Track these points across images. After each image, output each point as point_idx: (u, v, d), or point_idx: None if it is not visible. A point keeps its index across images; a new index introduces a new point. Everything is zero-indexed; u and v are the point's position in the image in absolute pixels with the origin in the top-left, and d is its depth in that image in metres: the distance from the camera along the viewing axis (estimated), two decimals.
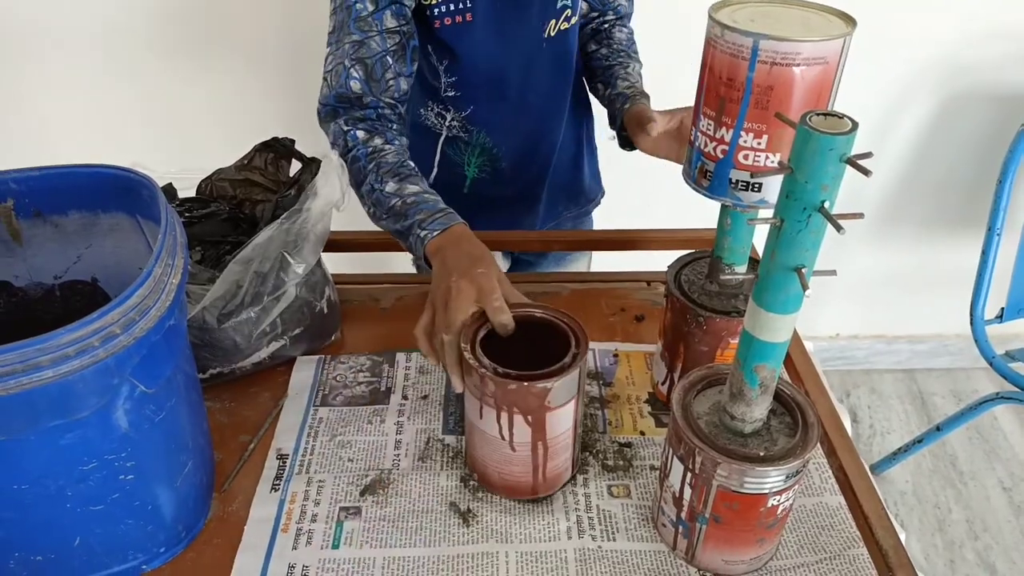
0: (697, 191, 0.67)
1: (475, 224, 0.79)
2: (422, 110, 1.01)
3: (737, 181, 0.64)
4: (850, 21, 0.61)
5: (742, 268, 0.73)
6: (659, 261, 0.97)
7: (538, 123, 1.03)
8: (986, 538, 1.62)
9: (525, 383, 0.61)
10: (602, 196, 1.20)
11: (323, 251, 0.83)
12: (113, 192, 0.67)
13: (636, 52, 1.08)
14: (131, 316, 0.52)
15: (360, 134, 0.85)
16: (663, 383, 0.78)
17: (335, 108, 0.87)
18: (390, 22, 0.84)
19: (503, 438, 0.64)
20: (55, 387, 0.49)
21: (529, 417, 0.63)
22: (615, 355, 0.86)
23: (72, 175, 0.66)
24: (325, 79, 0.87)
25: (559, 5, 0.94)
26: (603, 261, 1.00)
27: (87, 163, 0.66)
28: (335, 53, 0.86)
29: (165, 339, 0.57)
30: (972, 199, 1.73)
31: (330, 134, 0.88)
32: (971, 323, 1.44)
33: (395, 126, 0.88)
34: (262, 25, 1.44)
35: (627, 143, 0.99)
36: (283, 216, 0.77)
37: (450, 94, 0.96)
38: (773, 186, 0.63)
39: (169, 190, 0.85)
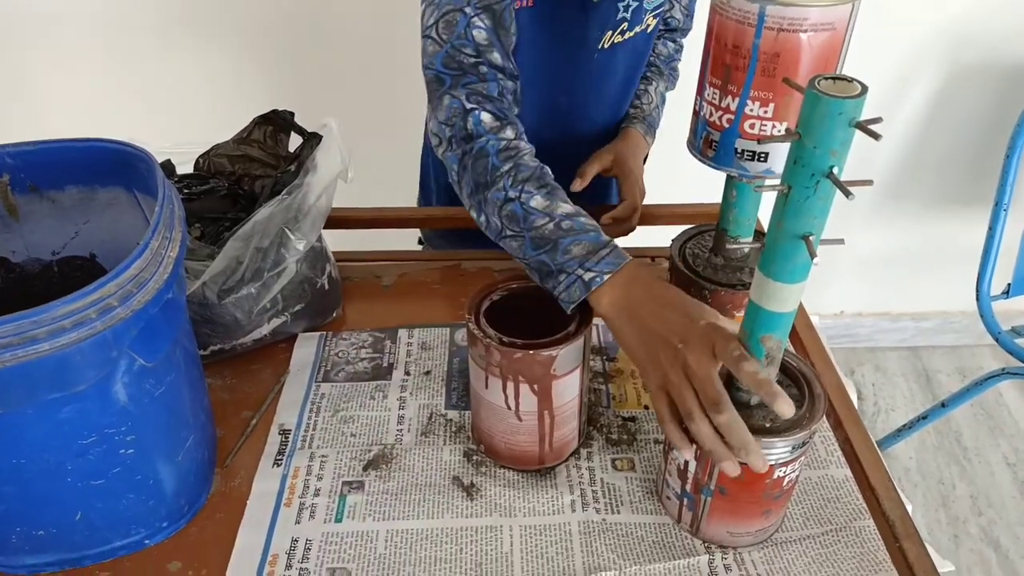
0: (702, 162, 0.66)
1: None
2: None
3: (743, 151, 0.63)
4: None
5: (747, 240, 0.72)
6: (663, 236, 0.96)
7: (576, 134, 0.95)
8: (990, 513, 1.62)
9: (531, 351, 0.60)
10: None
11: (324, 228, 0.82)
12: (110, 166, 0.66)
13: (673, 69, 1.03)
14: (128, 288, 0.51)
15: (486, 117, 0.69)
16: None
17: (441, 75, 0.71)
18: None
19: (509, 408, 0.64)
20: (52, 360, 0.48)
21: (535, 386, 0.62)
22: None
23: (68, 149, 0.65)
24: (428, 36, 0.71)
25: (619, 16, 0.84)
26: None
27: (83, 137, 0.65)
28: (438, 5, 0.69)
29: (163, 312, 0.56)
30: (978, 174, 1.71)
31: (443, 109, 0.71)
32: (977, 299, 1.43)
33: (518, 111, 0.73)
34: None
35: None
36: (283, 192, 0.76)
37: None
38: (780, 155, 0.62)
39: (167, 166, 0.84)
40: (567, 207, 0.66)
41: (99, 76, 1.49)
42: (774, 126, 0.61)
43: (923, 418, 1.62)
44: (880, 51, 1.53)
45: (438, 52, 0.70)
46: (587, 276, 0.61)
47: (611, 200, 1.07)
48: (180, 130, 1.50)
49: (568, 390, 0.64)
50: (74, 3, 1.40)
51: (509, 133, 0.69)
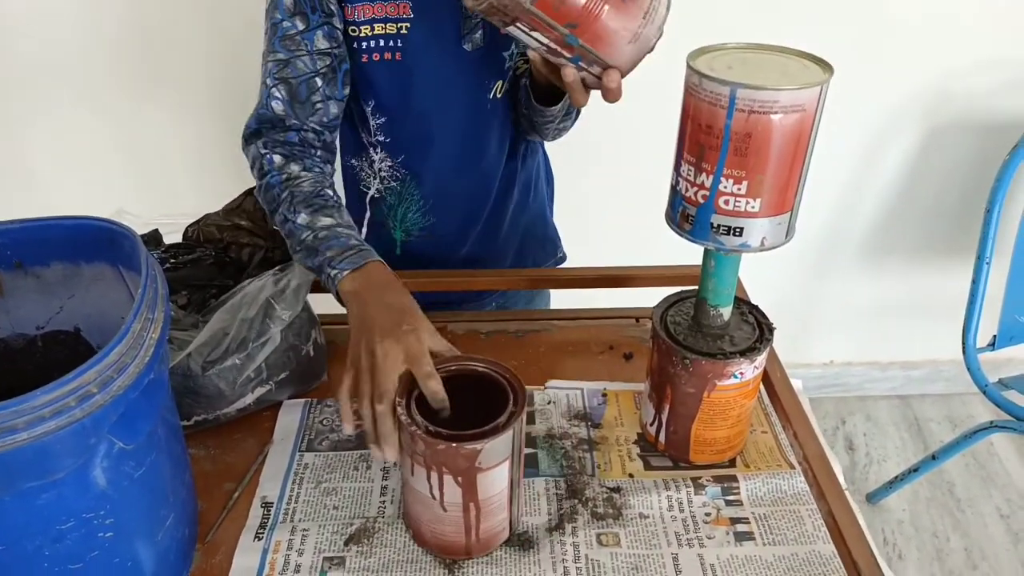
0: (680, 235, 0.67)
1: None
2: (353, 160, 0.97)
3: (719, 226, 0.64)
4: (827, 68, 0.62)
5: (727, 309, 0.73)
6: (648, 298, 0.97)
7: (480, 183, 0.97)
8: (984, 567, 1.60)
9: (454, 444, 0.60)
10: (562, 259, 1.14)
11: (309, 293, 0.83)
12: (95, 243, 0.67)
13: None
14: (108, 374, 0.51)
15: (276, 159, 0.82)
16: (651, 424, 0.78)
17: (257, 130, 0.84)
18: (321, 43, 0.81)
19: (434, 497, 0.63)
20: (30, 449, 0.48)
21: (459, 478, 0.62)
22: (604, 394, 0.85)
23: (53, 227, 0.66)
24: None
25: (507, 65, 0.90)
26: (590, 298, 1.00)
27: (68, 215, 0.66)
28: (262, 73, 0.83)
29: (144, 394, 0.56)
30: (960, 227, 1.73)
31: (248, 156, 0.85)
32: (963, 351, 1.44)
33: (319, 152, 0.85)
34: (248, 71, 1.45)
35: (543, 97, 0.88)
36: (276, 269, 0.77)
37: (380, 138, 0.91)
38: (755, 230, 0.64)
39: (154, 237, 0.85)
40: (327, 220, 0.77)
41: (89, 146, 1.51)
42: (748, 203, 0.63)
43: (914, 471, 1.62)
44: (861, 107, 1.57)
45: (253, 114, 0.84)
46: (333, 272, 0.73)
47: None
48: (171, 200, 1.52)
49: (495, 483, 0.63)
50: (68, 72, 1.42)
51: (294, 168, 0.81)
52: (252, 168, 0.84)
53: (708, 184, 0.63)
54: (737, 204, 0.63)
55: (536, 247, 1.08)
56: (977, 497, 1.75)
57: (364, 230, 1.01)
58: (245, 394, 0.80)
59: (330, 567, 0.67)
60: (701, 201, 0.64)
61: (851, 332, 1.95)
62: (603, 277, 0.96)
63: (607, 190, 1.61)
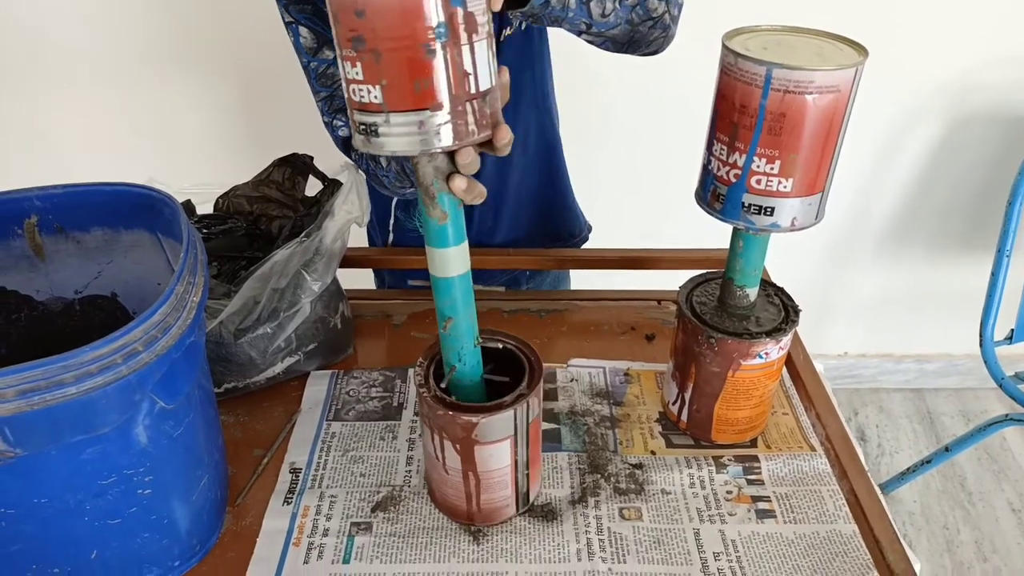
0: (710, 214, 0.68)
1: None
2: (371, 163, 0.94)
3: (750, 205, 0.65)
4: (862, 51, 0.62)
5: (754, 290, 0.73)
6: (669, 281, 0.98)
7: (492, 164, 0.96)
8: (995, 560, 1.61)
9: (450, 412, 0.61)
10: (588, 233, 1.12)
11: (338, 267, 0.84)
12: (134, 210, 0.68)
13: None
14: (153, 334, 0.53)
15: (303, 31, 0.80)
16: (674, 403, 0.79)
17: (345, 152, 0.87)
18: None
19: (437, 458, 0.65)
20: (77, 403, 0.50)
21: (457, 446, 0.63)
22: (626, 374, 0.86)
23: (94, 193, 0.67)
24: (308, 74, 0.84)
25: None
26: (612, 280, 1.01)
27: (109, 181, 0.67)
28: (319, 109, 0.84)
29: (185, 356, 0.58)
30: (979, 220, 1.73)
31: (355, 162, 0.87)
32: (980, 344, 1.44)
33: None
34: (276, 41, 1.46)
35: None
36: (302, 235, 0.78)
37: None
38: (786, 209, 0.64)
39: (188, 207, 0.86)
40: None
41: (117, 116, 1.52)
42: (780, 182, 0.63)
43: (927, 462, 1.62)
44: (884, 99, 1.57)
45: (336, 145, 0.85)
46: None
47: None
48: (200, 170, 1.53)
49: (494, 459, 0.64)
50: (95, 45, 1.43)
51: (328, 53, 0.79)
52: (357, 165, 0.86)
53: (740, 163, 0.63)
54: (769, 184, 0.63)
55: (557, 223, 1.08)
56: (989, 491, 1.76)
57: (391, 238, 1.03)
58: (275, 363, 0.81)
59: (357, 531, 0.68)
60: (733, 180, 0.64)
61: (866, 324, 1.95)
62: (626, 258, 0.97)
63: (622, 171, 1.62)
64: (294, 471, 0.75)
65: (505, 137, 0.55)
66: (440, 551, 0.67)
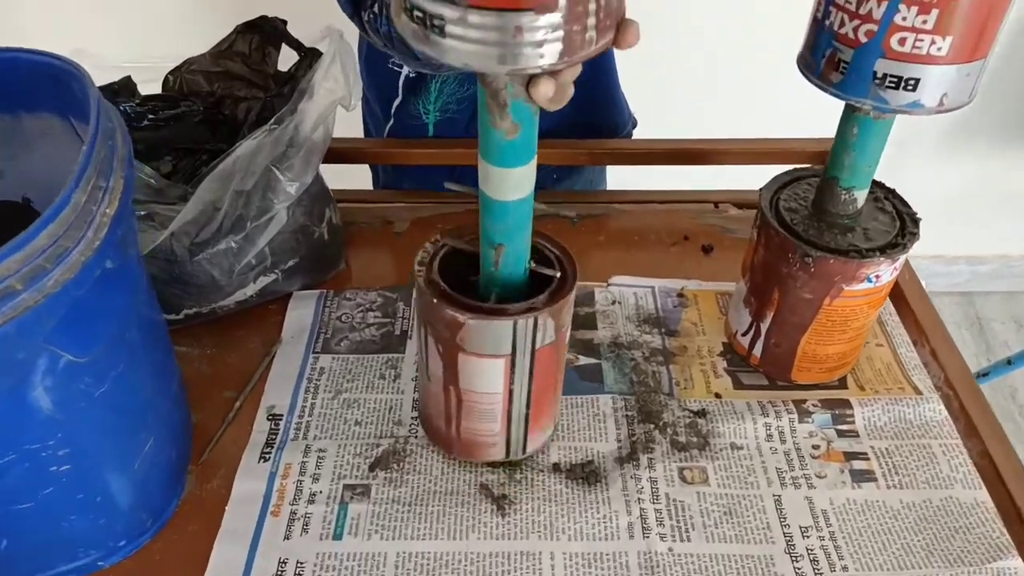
0: (821, 87, 0.49)
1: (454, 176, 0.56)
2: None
3: (885, 75, 0.46)
4: None
5: (863, 193, 0.56)
6: (733, 179, 0.80)
7: None
8: None
9: (435, 300, 0.48)
10: (633, 127, 0.92)
11: (322, 163, 0.66)
12: (37, 86, 0.50)
13: None
14: (39, 264, 0.37)
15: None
16: (744, 333, 0.63)
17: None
18: None
19: (424, 361, 0.53)
20: None
21: (440, 347, 0.50)
22: (680, 295, 0.70)
23: None
24: None
25: None
26: (659, 180, 0.83)
27: None
28: None
29: (99, 290, 0.42)
30: None
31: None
32: None
33: None
34: None
35: None
36: (272, 121, 0.60)
37: None
38: (935, 82, 0.46)
39: (126, 85, 0.67)
40: None
41: None
42: (933, 41, 0.44)
43: (983, 375, 1.49)
44: None
45: None
46: None
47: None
48: (146, 41, 1.30)
49: (482, 379, 0.50)
50: None
51: None
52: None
53: (879, 15, 0.44)
54: (918, 44, 0.44)
55: (600, 116, 0.87)
56: None
57: (391, 122, 0.83)
58: (245, 284, 0.65)
59: (352, 497, 0.55)
60: (864, 40, 0.46)
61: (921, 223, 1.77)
62: (680, 151, 0.78)
63: (676, 49, 1.38)
64: (273, 418, 0.60)
65: (633, 38, 0.37)
66: (456, 523, 0.53)
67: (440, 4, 0.33)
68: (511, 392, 0.51)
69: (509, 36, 0.33)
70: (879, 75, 0.46)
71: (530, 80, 0.38)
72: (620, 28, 0.37)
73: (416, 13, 0.34)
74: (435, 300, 0.48)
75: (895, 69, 0.46)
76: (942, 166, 1.66)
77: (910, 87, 0.46)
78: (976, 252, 1.85)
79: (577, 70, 0.39)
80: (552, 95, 0.39)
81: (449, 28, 0.33)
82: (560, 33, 0.33)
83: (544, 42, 0.33)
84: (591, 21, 0.34)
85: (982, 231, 1.80)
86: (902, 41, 0.45)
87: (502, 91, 0.39)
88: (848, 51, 0.47)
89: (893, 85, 0.46)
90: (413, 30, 0.35)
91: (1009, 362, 1.44)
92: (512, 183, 0.44)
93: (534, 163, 0.44)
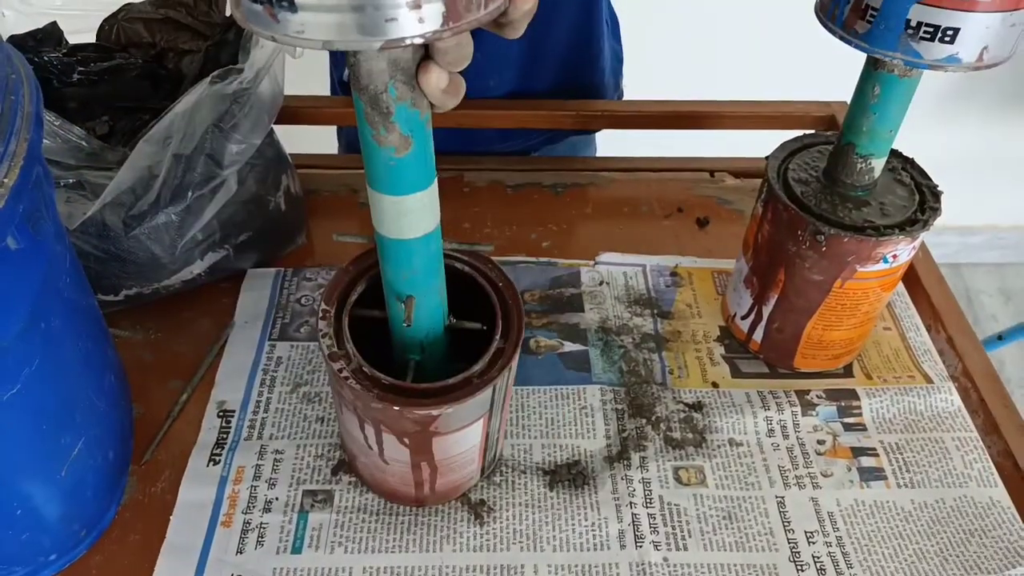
0: (845, 39, 0.43)
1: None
2: None
3: (920, 24, 0.40)
4: None
5: (881, 162, 0.50)
6: (732, 144, 0.74)
7: None
8: None
9: (396, 407, 0.39)
10: (621, 94, 0.86)
11: (275, 123, 0.60)
12: None
13: None
14: None
15: None
16: (744, 316, 0.57)
17: None
18: None
19: (371, 448, 0.44)
20: None
21: (406, 440, 0.42)
22: (673, 273, 0.64)
23: None
24: None
25: None
26: (652, 145, 0.77)
27: None
28: None
29: (3, 274, 0.35)
30: None
31: None
32: None
33: None
34: None
35: None
36: (214, 74, 0.53)
37: None
38: (976, 33, 0.40)
39: (51, 32, 0.59)
40: None
41: None
42: None
43: None
44: None
45: None
46: None
47: None
48: None
49: (460, 443, 0.44)
50: None
51: None
52: None
53: None
54: None
55: (586, 76, 0.79)
56: None
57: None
58: (192, 260, 0.58)
59: (312, 505, 0.49)
60: None
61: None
62: (673, 115, 0.72)
63: (671, 6, 1.30)
64: (224, 414, 0.54)
65: (527, 3, 0.31)
66: (429, 534, 0.48)
67: None
68: (487, 434, 0.45)
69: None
70: (913, 24, 0.40)
71: (418, 69, 0.32)
72: None
73: None
74: (394, 408, 0.39)
75: (932, 16, 0.39)
76: (932, 134, 1.61)
77: (947, 38, 0.40)
78: (966, 223, 1.82)
79: (467, 47, 0.32)
80: (445, 86, 0.32)
81: None
82: None
83: (422, 1, 0.27)
84: None
85: (972, 201, 1.77)
86: None
87: (383, 95, 0.32)
88: None
89: (928, 36, 0.40)
90: (256, 14, 0.27)
91: (1000, 337, 1.41)
92: (412, 216, 0.37)
93: (435, 188, 0.37)
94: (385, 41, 0.27)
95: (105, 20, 0.63)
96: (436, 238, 0.39)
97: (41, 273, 0.40)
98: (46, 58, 0.58)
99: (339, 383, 0.41)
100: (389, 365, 0.42)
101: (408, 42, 0.27)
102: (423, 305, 0.40)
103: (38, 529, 0.44)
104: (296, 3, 0.26)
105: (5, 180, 0.35)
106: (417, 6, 0.26)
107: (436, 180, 0.37)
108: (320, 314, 0.43)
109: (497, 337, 0.43)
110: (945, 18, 0.39)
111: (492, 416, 0.44)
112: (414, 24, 0.27)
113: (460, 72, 0.34)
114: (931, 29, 0.40)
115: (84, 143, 0.51)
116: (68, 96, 0.61)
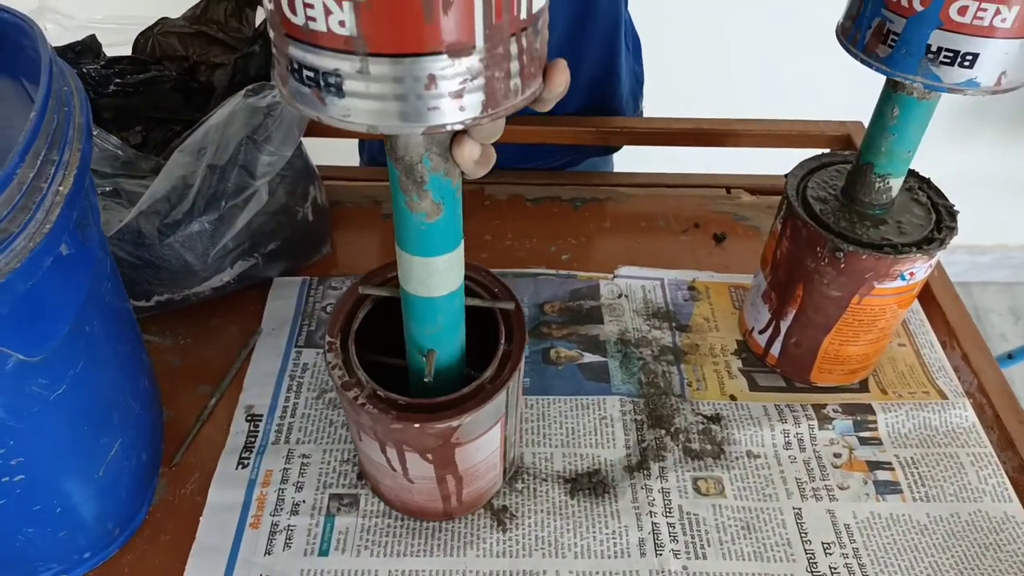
0: (866, 62, 0.45)
1: None
2: None
3: (940, 49, 0.41)
4: None
5: (899, 181, 0.51)
6: (749, 162, 0.75)
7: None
8: None
9: (417, 424, 0.40)
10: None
11: (305, 136, 0.61)
12: None
13: None
14: None
15: None
16: (762, 331, 0.59)
17: None
18: None
19: (394, 470, 0.45)
20: None
21: (429, 455, 0.43)
22: (691, 287, 0.66)
23: None
24: None
25: None
26: (668, 161, 0.78)
27: None
28: None
29: (51, 279, 0.36)
30: None
31: None
32: None
33: None
34: None
35: None
36: (249, 88, 0.55)
37: None
38: (995, 58, 0.41)
39: (90, 45, 0.61)
40: None
41: None
42: (997, 11, 0.40)
43: None
44: None
45: None
46: None
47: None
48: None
49: (481, 450, 0.45)
50: None
51: None
52: None
53: None
54: (980, 13, 0.40)
55: (605, 97, 0.80)
56: None
57: None
58: (222, 269, 0.60)
59: (339, 509, 0.50)
60: (919, 8, 0.41)
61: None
62: (691, 132, 0.73)
63: (686, 28, 1.32)
64: (252, 419, 0.55)
65: (562, 84, 0.32)
66: (453, 539, 0.49)
67: (333, 56, 0.26)
68: (505, 437, 0.47)
69: (422, 87, 0.27)
70: (933, 48, 0.41)
71: (452, 141, 0.33)
72: (547, 73, 0.32)
73: (306, 73, 0.27)
74: (415, 425, 0.40)
75: (952, 42, 0.41)
76: (943, 154, 1.62)
77: (967, 63, 0.41)
78: (976, 242, 1.82)
79: (498, 129, 0.34)
80: (478, 158, 0.34)
81: (348, 85, 0.27)
82: (481, 81, 0.28)
83: (463, 92, 0.27)
84: (514, 66, 0.28)
85: (982, 220, 1.78)
86: (962, 10, 0.40)
87: (418, 165, 0.33)
88: (900, 20, 0.42)
89: (948, 60, 0.41)
90: (304, 95, 0.28)
91: (1010, 356, 1.41)
92: (439, 276, 0.38)
93: (461, 249, 0.38)
94: (427, 128, 0.28)
95: (141, 34, 0.65)
96: (460, 296, 0.41)
97: (87, 279, 0.42)
98: (84, 69, 0.60)
99: (355, 411, 0.42)
100: (394, 369, 0.44)
101: (448, 128, 0.28)
102: (444, 357, 0.42)
103: (75, 527, 0.45)
104: (344, 89, 0.27)
105: (61, 188, 0.36)
106: (459, 95, 0.27)
107: (463, 241, 0.38)
108: (327, 346, 0.44)
109: (502, 342, 0.44)
110: (965, 44, 0.41)
111: (508, 418, 0.45)
112: (455, 112, 0.28)
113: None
114: (951, 54, 0.41)
115: (120, 152, 0.53)
116: (104, 106, 0.62)
